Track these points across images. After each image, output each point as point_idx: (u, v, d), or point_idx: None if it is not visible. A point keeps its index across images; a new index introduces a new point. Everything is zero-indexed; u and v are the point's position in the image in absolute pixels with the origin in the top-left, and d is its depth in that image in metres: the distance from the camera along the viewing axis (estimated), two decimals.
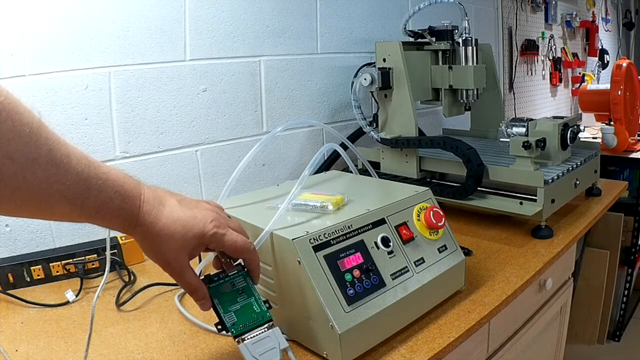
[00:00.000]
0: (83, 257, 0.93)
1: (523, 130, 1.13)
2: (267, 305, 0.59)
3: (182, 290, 0.86)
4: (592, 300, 2.10)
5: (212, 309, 0.58)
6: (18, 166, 0.41)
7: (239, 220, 0.73)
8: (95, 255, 0.94)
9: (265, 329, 0.57)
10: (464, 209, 1.15)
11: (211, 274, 0.60)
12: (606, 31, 3.38)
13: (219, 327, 0.57)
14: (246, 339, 0.56)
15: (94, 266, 0.94)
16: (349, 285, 0.63)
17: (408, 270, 0.70)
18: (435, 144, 1.11)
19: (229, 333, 0.56)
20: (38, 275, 0.90)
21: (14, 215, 0.45)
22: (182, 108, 1.14)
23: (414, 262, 0.72)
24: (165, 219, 0.53)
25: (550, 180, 1.01)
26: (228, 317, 0.57)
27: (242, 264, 0.61)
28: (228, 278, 0.60)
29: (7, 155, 0.40)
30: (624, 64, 2.13)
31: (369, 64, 1.33)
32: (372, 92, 1.23)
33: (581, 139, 1.27)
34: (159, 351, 0.69)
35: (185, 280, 0.56)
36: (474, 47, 1.20)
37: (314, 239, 0.63)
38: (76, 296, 0.86)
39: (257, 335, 0.56)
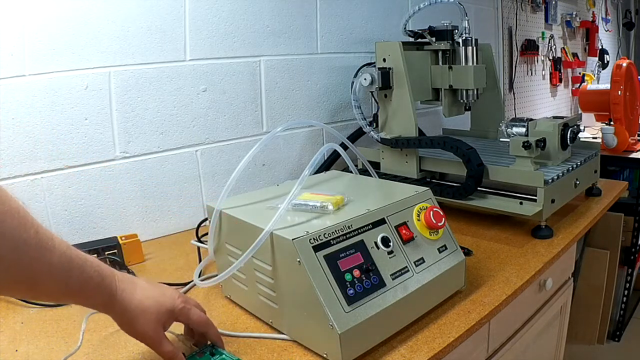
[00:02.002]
0: None
1: (523, 130, 1.13)
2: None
3: (183, 290, 0.86)
4: (592, 300, 2.10)
5: None
6: (12, 245, 0.44)
7: (239, 220, 0.73)
8: (96, 255, 0.94)
9: None
10: (464, 209, 1.15)
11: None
12: (606, 31, 3.38)
13: None
14: None
15: None
16: (349, 285, 0.63)
17: (408, 270, 0.70)
18: (435, 144, 1.11)
19: None
20: None
21: (4, 293, 0.48)
22: (182, 108, 1.14)
23: (414, 262, 0.72)
24: (139, 295, 0.59)
25: (550, 180, 1.01)
26: None
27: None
28: (198, 349, 0.67)
29: (2, 234, 0.43)
30: (624, 64, 2.12)
31: (369, 64, 1.33)
32: (372, 92, 1.23)
33: (581, 139, 1.27)
34: None
35: (164, 350, 0.61)
36: (474, 47, 1.20)
37: (314, 239, 0.63)
38: None
39: None
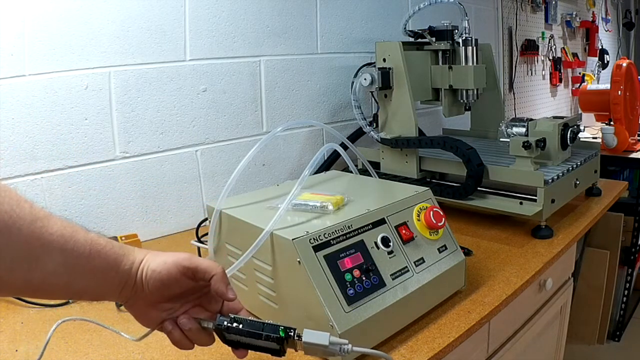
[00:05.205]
0: None
1: (523, 130, 1.13)
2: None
3: None
4: (592, 300, 2.10)
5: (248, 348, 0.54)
6: (3, 224, 0.41)
7: (239, 220, 0.73)
8: None
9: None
10: (464, 209, 1.14)
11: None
12: (606, 31, 3.38)
13: (278, 346, 0.52)
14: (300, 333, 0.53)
15: None
16: (349, 285, 0.63)
17: (408, 270, 0.70)
18: (435, 144, 1.11)
19: (295, 337, 0.52)
20: None
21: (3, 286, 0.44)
22: (182, 108, 1.14)
23: (414, 262, 0.72)
24: (154, 253, 0.54)
25: (550, 180, 1.01)
26: (270, 327, 0.53)
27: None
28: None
29: None
30: (624, 64, 2.12)
31: (369, 64, 1.33)
32: (372, 92, 1.23)
33: (581, 139, 1.27)
34: (159, 351, 0.69)
35: (202, 262, 0.54)
36: (474, 47, 1.20)
37: (314, 239, 0.64)
38: None
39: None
